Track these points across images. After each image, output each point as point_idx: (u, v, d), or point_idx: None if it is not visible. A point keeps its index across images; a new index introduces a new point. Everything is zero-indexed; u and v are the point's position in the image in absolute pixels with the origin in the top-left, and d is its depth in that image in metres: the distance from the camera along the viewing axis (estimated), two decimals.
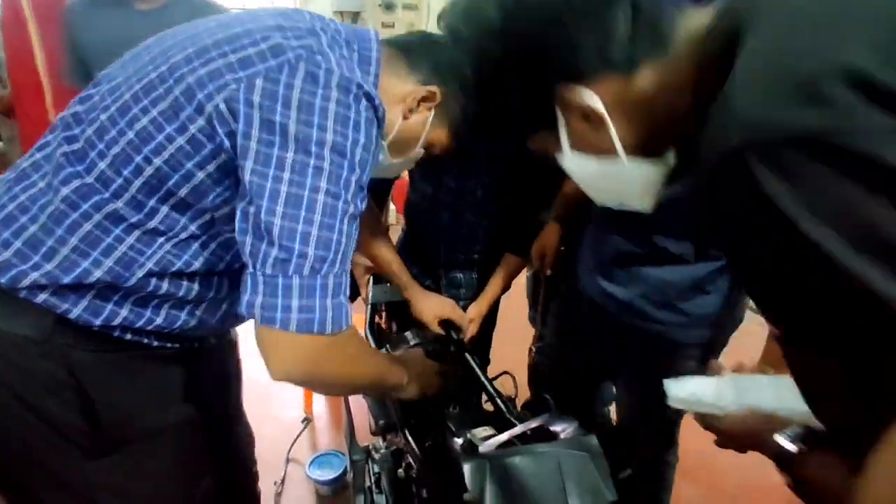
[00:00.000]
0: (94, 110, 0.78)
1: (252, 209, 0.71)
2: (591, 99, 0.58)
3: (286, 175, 0.70)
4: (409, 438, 0.94)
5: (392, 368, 0.98)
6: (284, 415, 2.38)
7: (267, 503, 1.78)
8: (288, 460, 2.11)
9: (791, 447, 0.56)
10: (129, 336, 0.82)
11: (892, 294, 0.34)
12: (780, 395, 0.65)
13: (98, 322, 0.78)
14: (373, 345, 1.36)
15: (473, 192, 1.60)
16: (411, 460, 0.93)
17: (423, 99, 0.91)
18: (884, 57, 0.35)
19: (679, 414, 1.36)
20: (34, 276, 0.75)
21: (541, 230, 1.67)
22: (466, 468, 0.67)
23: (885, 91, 0.34)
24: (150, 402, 0.86)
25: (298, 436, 2.24)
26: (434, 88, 0.91)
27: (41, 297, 0.76)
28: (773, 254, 0.39)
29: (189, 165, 0.74)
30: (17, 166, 0.83)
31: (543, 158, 1.04)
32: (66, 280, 0.75)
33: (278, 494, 1.99)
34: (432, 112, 0.94)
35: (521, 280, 2.12)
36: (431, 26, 1.61)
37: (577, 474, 0.67)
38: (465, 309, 1.51)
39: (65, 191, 0.76)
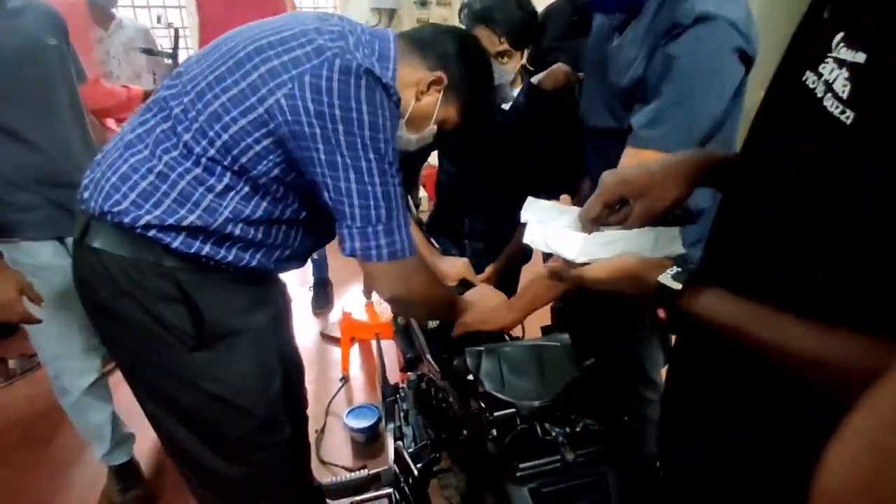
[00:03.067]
0: (179, 96, 1.01)
1: (329, 181, 0.97)
2: None
3: (344, 151, 0.95)
4: (430, 359, 1.16)
5: (457, 299, 1.27)
6: (325, 375, 2.63)
7: None
8: (327, 413, 2.36)
9: (675, 285, 0.64)
10: (212, 263, 1.05)
11: None
12: (654, 244, 0.72)
13: (190, 252, 1.02)
14: None
15: (491, 172, 1.81)
16: (431, 376, 1.15)
17: (432, 82, 1.11)
18: None
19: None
20: (147, 218, 0.99)
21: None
22: (467, 354, 0.89)
23: None
24: (235, 310, 1.10)
25: (337, 392, 2.49)
26: (440, 73, 1.11)
27: (151, 233, 1.00)
28: None
29: (248, 140, 0.97)
30: (123, 137, 1.05)
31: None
32: (170, 221, 0.99)
33: (319, 441, 2.23)
34: (441, 93, 1.14)
35: None
36: None
37: (550, 360, 0.89)
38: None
39: (165, 158, 1.00)
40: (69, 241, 1.61)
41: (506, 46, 1.60)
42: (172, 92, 1.03)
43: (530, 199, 0.83)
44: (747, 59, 1.04)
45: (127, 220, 0.99)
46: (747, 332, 0.56)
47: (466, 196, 1.83)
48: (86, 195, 1.04)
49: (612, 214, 0.77)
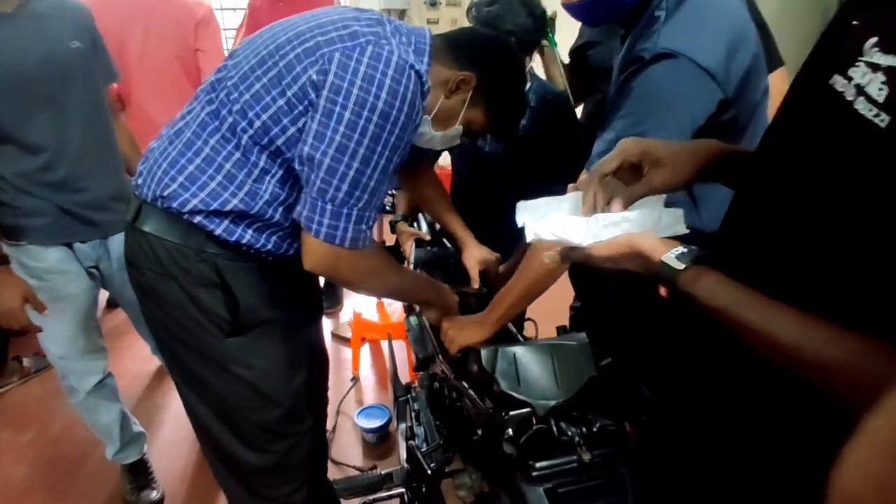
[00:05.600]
0: (224, 80, 1.04)
1: (306, 148, 0.96)
2: None
3: (340, 128, 0.94)
4: (442, 358, 1.16)
5: (420, 287, 1.26)
6: (335, 375, 2.62)
7: None
8: (338, 413, 2.36)
9: (678, 265, 0.62)
10: (252, 252, 1.10)
11: None
12: (657, 225, 0.70)
13: (232, 240, 1.06)
14: None
15: (504, 169, 1.80)
16: (445, 373, 1.14)
17: (461, 81, 1.10)
18: None
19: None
20: (194, 202, 1.03)
21: None
22: (483, 353, 0.88)
23: None
24: (269, 300, 1.14)
25: (348, 392, 2.49)
26: (470, 74, 1.10)
27: (197, 219, 1.04)
28: None
29: (285, 121, 0.99)
30: (174, 125, 1.10)
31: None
32: (214, 206, 1.03)
33: (330, 441, 2.22)
34: (469, 94, 1.12)
35: None
36: None
37: (566, 358, 0.88)
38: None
39: (211, 142, 1.04)
40: (77, 246, 1.63)
41: None
42: (219, 77, 1.07)
43: (521, 203, 0.81)
44: (715, 87, 1.00)
45: (175, 204, 1.04)
46: (736, 315, 0.57)
47: (479, 195, 1.82)
48: (139, 181, 1.10)
49: (622, 183, 0.78)
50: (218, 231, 1.05)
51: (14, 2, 1.43)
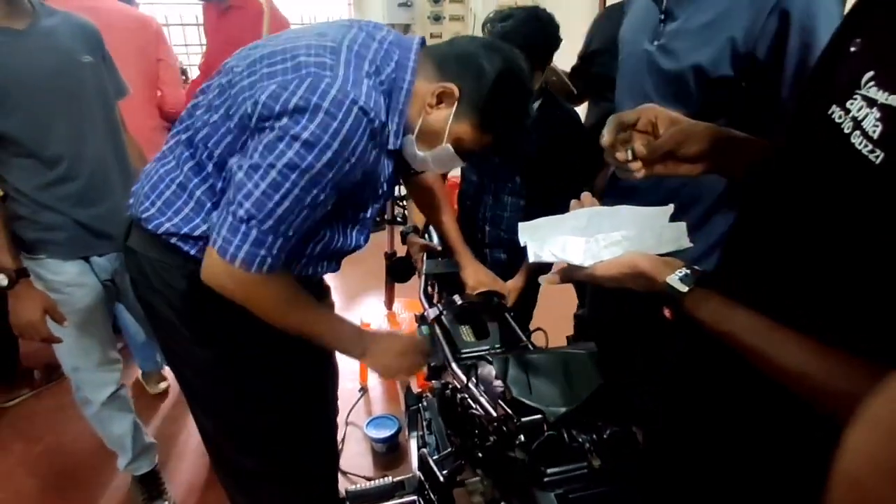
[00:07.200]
0: (196, 109, 1.08)
1: (233, 160, 0.98)
2: None
3: (259, 147, 0.91)
4: (454, 367, 1.18)
5: (341, 336, 1.17)
6: (343, 385, 2.62)
7: None
8: (347, 423, 2.36)
9: (682, 287, 0.63)
10: None
11: None
12: (658, 241, 0.71)
13: None
14: (426, 307, 1.55)
15: (512, 178, 1.82)
16: (455, 383, 1.16)
17: (442, 94, 1.01)
18: None
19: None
20: (167, 225, 1.07)
21: None
22: (493, 361, 0.90)
23: None
24: (232, 319, 1.08)
25: (356, 403, 2.50)
26: (450, 85, 1.00)
27: (172, 241, 1.08)
28: None
29: (238, 150, 0.99)
30: (165, 147, 1.14)
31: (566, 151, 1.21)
32: (185, 230, 1.07)
33: (339, 451, 2.23)
34: (454, 107, 1.02)
35: None
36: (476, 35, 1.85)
37: (577, 366, 0.90)
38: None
39: (185, 169, 1.07)
40: (94, 259, 1.66)
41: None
42: (195, 103, 1.10)
43: (522, 224, 0.81)
44: None
45: (150, 226, 1.09)
46: (742, 340, 0.58)
47: (487, 204, 1.85)
48: (131, 200, 1.15)
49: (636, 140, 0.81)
50: (193, 252, 1.09)
51: (27, 19, 1.48)
